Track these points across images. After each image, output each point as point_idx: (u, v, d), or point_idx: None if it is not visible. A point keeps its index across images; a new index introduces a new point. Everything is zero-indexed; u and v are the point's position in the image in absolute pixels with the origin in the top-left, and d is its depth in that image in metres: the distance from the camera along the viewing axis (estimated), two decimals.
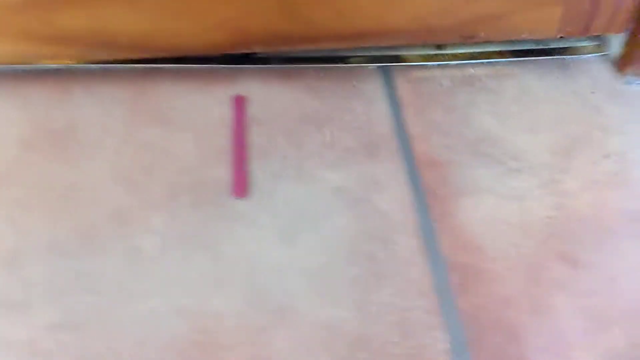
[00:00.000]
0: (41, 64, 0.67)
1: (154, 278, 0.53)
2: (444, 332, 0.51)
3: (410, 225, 0.57)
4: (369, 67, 0.71)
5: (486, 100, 0.68)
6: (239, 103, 0.66)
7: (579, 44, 0.72)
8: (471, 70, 0.71)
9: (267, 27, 0.64)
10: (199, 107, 0.66)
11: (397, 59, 0.71)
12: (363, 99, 0.68)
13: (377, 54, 0.71)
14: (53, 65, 0.68)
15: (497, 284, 0.54)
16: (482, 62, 0.71)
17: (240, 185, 0.59)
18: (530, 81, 0.70)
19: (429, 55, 0.71)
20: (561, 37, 0.68)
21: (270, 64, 0.70)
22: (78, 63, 0.67)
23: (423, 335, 0.50)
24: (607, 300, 0.52)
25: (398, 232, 0.57)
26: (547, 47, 0.72)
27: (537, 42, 0.72)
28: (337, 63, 0.70)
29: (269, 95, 0.68)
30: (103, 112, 0.65)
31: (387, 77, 0.70)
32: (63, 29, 0.62)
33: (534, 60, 0.72)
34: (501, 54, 0.72)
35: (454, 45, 0.71)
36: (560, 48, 0.72)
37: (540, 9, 0.64)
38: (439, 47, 0.71)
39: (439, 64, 0.71)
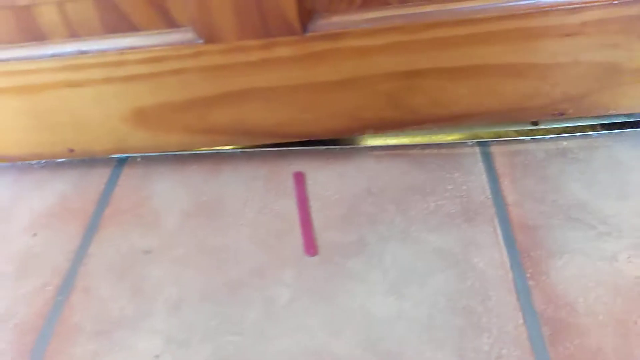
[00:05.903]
0: (197, 150, 0.84)
1: (285, 323, 0.64)
2: None
3: (505, 283, 0.65)
4: (469, 143, 0.80)
5: (577, 170, 0.75)
6: (298, 178, 0.79)
7: None
8: (564, 143, 0.78)
9: (377, 115, 0.76)
10: (322, 181, 0.79)
11: (495, 134, 0.80)
12: (463, 171, 0.77)
13: (476, 131, 0.80)
14: (206, 151, 0.84)
15: (587, 337, 0.59)
16: (575, 136, 0.79)
17: (310, 245, 0.71)
18: (620, 151, 0.76)
19: (524, 130, 0.79)
20: None
21: (380, 144, 0.82)
22: (226, 148, 0.83)
23: None
24: None
25: (494, 289, 0.64)
26: (638, 119, 0.78)
27: (628, 115, 0.78)
28: (440, 140, 0.81)
29: (380, 170, 0.79)
30: (245, 188, 0.79)
31: (485, 151, 0.79)
32: (214, 123, 0.78)
33: (626, 132, 0.78)
34: (593, 128, 0.78)
35: (548, 120, 0.79)
36: None
37: (628, 87, 0.71)
38: (533, 122, 0.79)
39: (533, 139, 0.79)
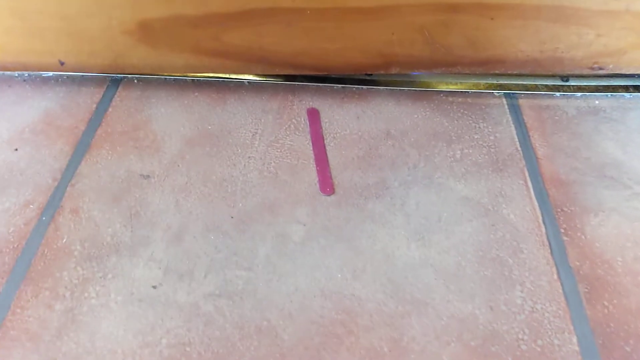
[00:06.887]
0: (203, 76, 0.76)
1: (300, 261, 0.58)
2: (573, 335, 0.53)
3: (537, 237, 0.60)
4: (496, 94, 0.75)
5: (610, 129, 0.71)
6: (313, 114, 0.73)
7: None
8: (596, 102, 0.74)
9: (407, 51, 0.71)
10: (337, 120, 0.72)
11: (523, 87, 0.75)
12: (490, 121, 0.72)
13: (504, 82, 0.75)
14: (213, 78, 0.76)
15: (626, 297, 0.55)
16: (607, 95, 0.74)
17: (326, 184, 0.65)
18: None
19: (554, 85, 0.75)
20: None
21: (401, 86, 0.76)
22: (234, 76, 0.76)
23: (553, 336, 0.53)
24: None
25: (526, 242, 0.60)
26: None
27: None
28: (466, 88, 0.75)
29: (401, 114, 0.73)
30: (253, 120, 0.73)
31: (513, 103, 0.74)
32: (228, 45, 0.71)
33: None
34: (626, 89, 0.74)
35: (579, 77, 0.74)
36: None
37: None
38: (563, 78, 0.75)
39: (563, 95, 0.75)
